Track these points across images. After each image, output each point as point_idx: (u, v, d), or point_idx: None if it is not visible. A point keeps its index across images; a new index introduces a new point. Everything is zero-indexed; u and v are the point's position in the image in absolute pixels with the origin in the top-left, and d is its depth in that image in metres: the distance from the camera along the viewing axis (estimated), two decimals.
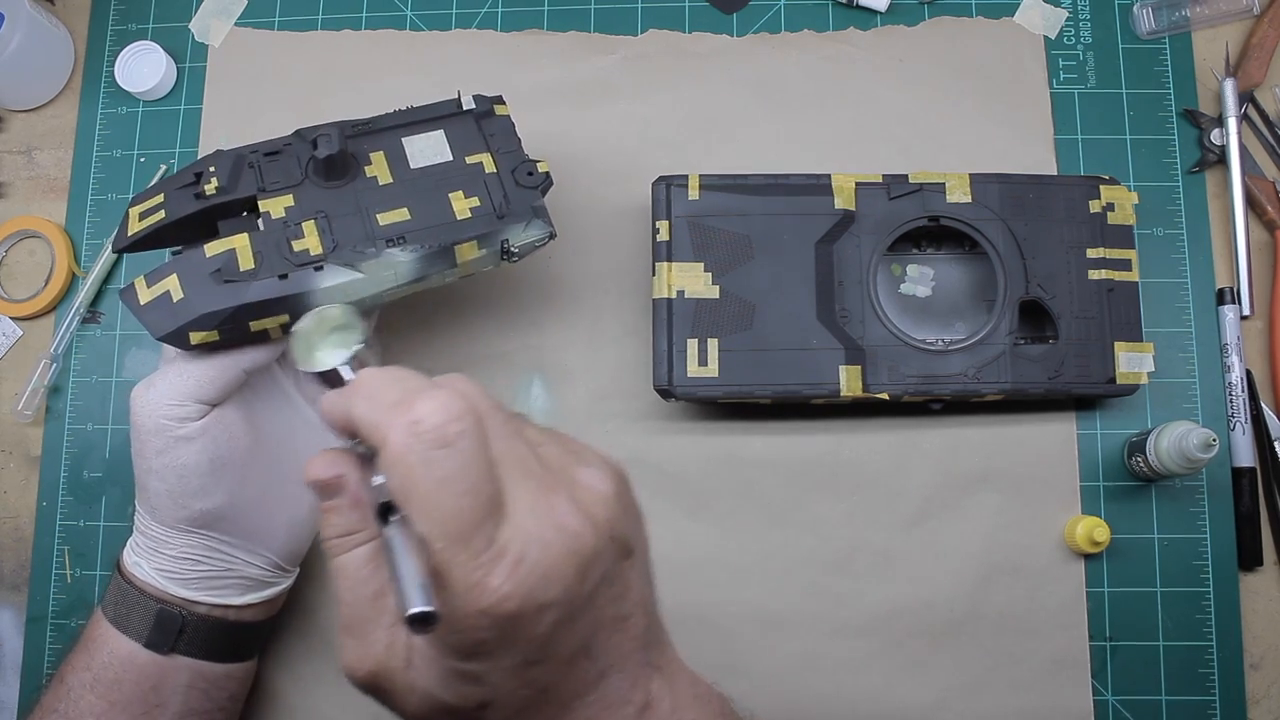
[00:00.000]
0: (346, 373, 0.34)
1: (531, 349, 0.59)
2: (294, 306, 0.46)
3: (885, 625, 0.55)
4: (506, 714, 0.31)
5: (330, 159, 0.48)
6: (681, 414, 0.58)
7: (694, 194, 0.55)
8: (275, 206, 0.48)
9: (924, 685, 0.55)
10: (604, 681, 0.32)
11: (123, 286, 0.48)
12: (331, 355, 0.33)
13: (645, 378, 0.55)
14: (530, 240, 0.50)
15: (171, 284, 0.46)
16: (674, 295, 0.54)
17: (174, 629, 0.47)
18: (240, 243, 0.47)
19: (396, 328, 0.59)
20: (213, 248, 0.46)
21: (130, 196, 0.63)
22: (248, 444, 0.48)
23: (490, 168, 0.50)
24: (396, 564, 0.28)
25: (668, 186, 0.56)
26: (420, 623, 0.26)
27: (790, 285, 0.54)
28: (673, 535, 0.56)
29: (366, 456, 0.31)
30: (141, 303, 0.46)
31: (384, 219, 0.48)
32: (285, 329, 0.47)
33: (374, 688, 0.32)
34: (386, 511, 0.30)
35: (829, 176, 0.56)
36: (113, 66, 0.64)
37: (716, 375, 0.54)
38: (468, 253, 0.49)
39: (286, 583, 0.52)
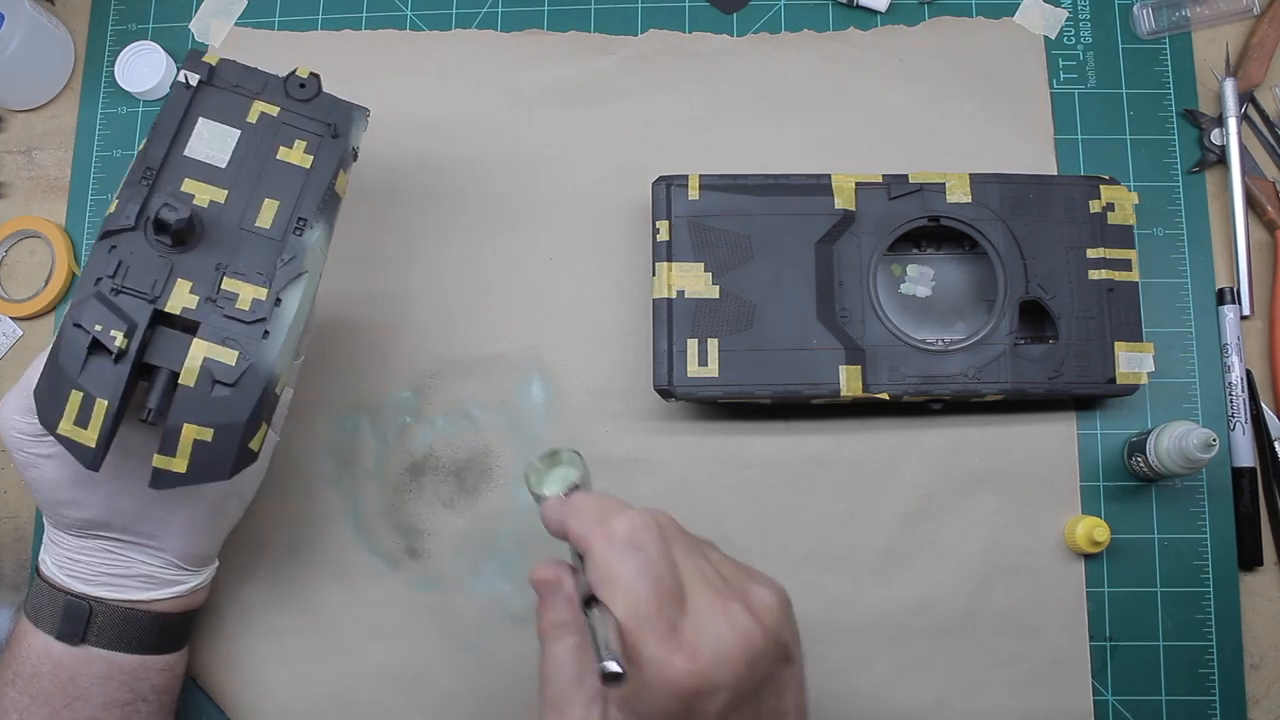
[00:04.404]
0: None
1: (531, 349, 0.59)
2: (295, 346, 0.47)
3: (885, 625, 0.55)
4: None
5: (181, 224, 0.43)
6: (681, 414, 0.58)
7: (694, 194, 0.55)
8: (180, 300, 0.44)
9: (924, 685, 0.55)
10: None
11: (149, 481, 0.43)
12: (555, 485, 0.42)
13: (645, 378, 0.55)
14: (360, 133, 0.50)
15: (193, 432, 0.42)
16: (674, 295, 0.54)
17: (81, 620, 0.48)
18: (201, 349, 0.43)
19: (396, 330, 0.59)
20: (186, 376, 0.43)
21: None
22: (113, 458, 0.45)
23: (272, 111, 0.48)
24: (596, 636, 0.35)
25: (668, 186, 0.56)
26: (613, 678, 0.33)
27: (790, 285, 0.54)
28: None
29: (575, 568, 0.39)
30: (184, 472, 0.42)
31: (261, 220, 0.46)
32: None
33: None
34: (590, 602, 0.37)
35: (829, 176, 0.56)
36: (113, 66, 0.64)
37: (716, 375, 0.54)
38: (343, 182, 0.49)
39: (195, 581, 0.51)
